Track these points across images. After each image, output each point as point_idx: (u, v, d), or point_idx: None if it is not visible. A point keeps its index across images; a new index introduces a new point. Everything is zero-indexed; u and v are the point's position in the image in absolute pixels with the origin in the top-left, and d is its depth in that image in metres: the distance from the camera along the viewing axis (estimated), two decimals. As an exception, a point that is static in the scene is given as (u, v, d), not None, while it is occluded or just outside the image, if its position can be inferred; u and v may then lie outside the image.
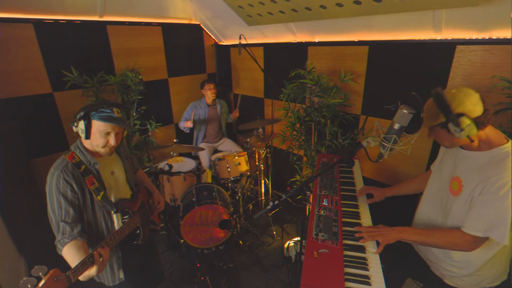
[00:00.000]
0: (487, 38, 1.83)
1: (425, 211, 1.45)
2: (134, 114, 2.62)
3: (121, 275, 1.44)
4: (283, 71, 3.01)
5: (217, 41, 3.83)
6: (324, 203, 1.69)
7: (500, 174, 1.07)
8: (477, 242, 1.14)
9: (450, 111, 1.07)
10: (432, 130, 1.22)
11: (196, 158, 3.46)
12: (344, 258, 1.28)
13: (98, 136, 1.27)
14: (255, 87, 3.66)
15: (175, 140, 2.64)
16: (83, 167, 1.28)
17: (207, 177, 3.27)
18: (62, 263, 1.13)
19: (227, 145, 3.54)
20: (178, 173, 2.71)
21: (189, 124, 3.28)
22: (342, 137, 2.51)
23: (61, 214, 1.20)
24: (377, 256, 1.29)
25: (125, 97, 2.86)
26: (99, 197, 1.29)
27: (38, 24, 2.45)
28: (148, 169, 2.53)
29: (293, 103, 2.75)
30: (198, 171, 2.88)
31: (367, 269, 1.24)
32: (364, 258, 1.29)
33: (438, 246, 1.25)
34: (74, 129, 1.29)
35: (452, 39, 1.96)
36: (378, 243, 1.32)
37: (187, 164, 3.06)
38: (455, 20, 1.87)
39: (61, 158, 1.28)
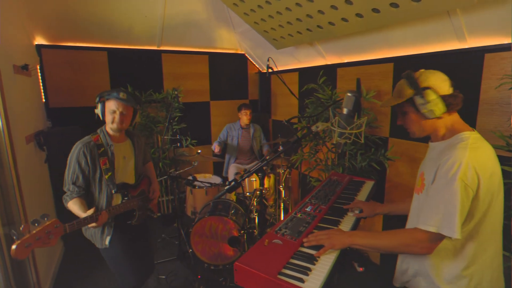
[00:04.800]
0: (520, 42, 1.70)
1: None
2: (167, 124, 3.17)
3: (106, 242, 1.74)
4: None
5: (260, 69, 4.33)
6: (307, 209, 1.70)
7: (450, 154, 1.01)
8: (431, 240, 1.02)
9: (417, 83, 1.10)
10: (401, 111, 1.22)
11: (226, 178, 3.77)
12: (296, 252, 1.29)
13: (107, 114, 1.71)
14: (290, 111, 3.91)
15: (198, 151, 3.03)
16: (102, 149, 1.71)
17: (231, 196, 3.48)
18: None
19: (256, 167, 3.75)
20: (193, 180, 3.01)
21: (216, 150, 3.61)
22: (360, 157, 2.45)
23: (73, 177, 1.63)
24: (332, 258, 1.25)
25: (165, 112, 3.49)
26: (106, 176, 1.69)
27: (111, 51, 3.37)
28: (170, 174, 2.94)
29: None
30: (217, 185, 3.15)
31: (313, 264, 1.21)
32: (318, 256, 1.27)
33: (389, 249, 1.14)
34: (95, 111, 1.76)
35: (478, 47, 1.87)
36: None
37: (213, 180, 3.37)
38: (478, 26, 1.81)
39: (88, 136, 1.74)
